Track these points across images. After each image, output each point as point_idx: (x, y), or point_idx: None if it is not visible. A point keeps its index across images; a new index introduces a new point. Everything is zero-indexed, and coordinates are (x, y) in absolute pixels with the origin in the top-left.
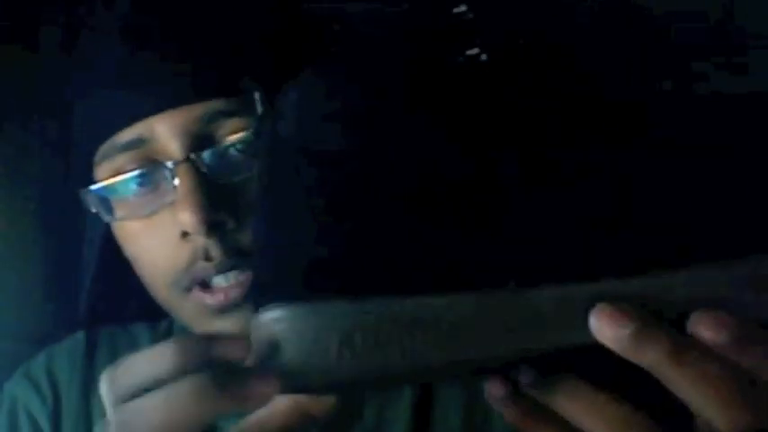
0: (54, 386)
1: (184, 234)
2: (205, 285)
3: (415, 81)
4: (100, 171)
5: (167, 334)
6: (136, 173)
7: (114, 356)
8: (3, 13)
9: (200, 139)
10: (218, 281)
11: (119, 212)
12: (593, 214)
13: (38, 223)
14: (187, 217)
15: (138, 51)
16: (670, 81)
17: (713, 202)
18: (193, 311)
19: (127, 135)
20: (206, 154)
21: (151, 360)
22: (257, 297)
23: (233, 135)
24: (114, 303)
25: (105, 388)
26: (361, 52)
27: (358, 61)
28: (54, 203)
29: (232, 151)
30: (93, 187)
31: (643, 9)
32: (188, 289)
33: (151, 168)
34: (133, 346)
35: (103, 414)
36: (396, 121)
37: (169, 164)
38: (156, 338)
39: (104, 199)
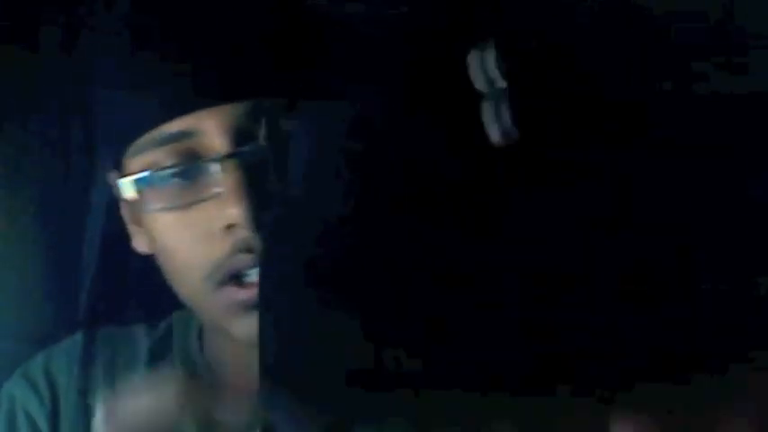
0: (52, 387)
1: (229, 226)
2: (238, 281)
3: (415, 82)
4: (136, 162)
5: (166, 335)
6: (179, 165)
7: (113, 357)
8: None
9: (243, 136)
10: (254, 274)
11: (154, 204)
12: (593, 215)
13: (38, 223)
14: (236, 210)
15: (191, 48)
16: (670, 81)
17: (713, 201)
18: (223, 308)
19: (172, 127)
20: (249, 149)
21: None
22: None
23: (274, 133)
24: (114, 303)
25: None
26: (362, 55)
27: (360, 65)
28: (54, 203)
29: (273, 149)
30: (131, 177)
31: (643, 9)
32: (221, 283)
33: (194, 161)
34: (131, 348)
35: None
36: (396, 124)
37: (215, 158)
38: (154, 339)
39: (140, 189)
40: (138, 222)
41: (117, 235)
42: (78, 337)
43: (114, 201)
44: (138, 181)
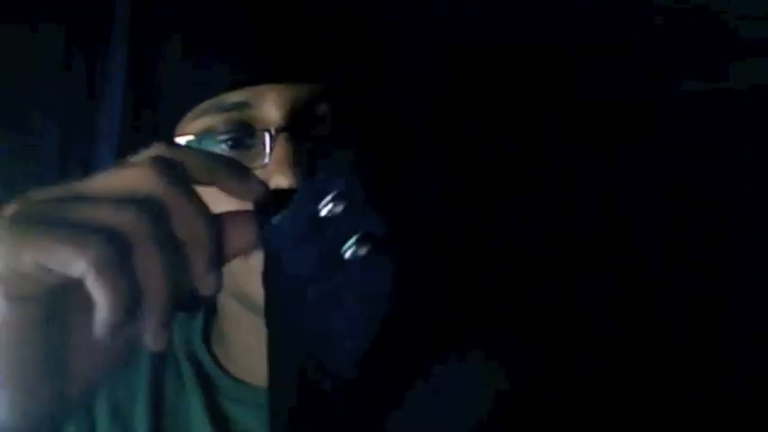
0: None
1: None
2: None
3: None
4: (193, 125)
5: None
6: (232, 132)
7: None
8: None
9: (298, 115)
10: None
11: None
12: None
13: None
14: (282, 179)
15: (263, 24)
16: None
17: (714, 198)
18: (256, 273)
19: (233, 97)
20: (302, 129)
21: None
22: None
23: (325, 118)
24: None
25: None
26: None
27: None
28: None
29: (321, 132)
30: (183, 139)
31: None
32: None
33: (248, 131)
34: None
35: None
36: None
37: (269, 130)
38: None
39: None
40: None
41: None
42: None
43: None
44: (193, 143)
